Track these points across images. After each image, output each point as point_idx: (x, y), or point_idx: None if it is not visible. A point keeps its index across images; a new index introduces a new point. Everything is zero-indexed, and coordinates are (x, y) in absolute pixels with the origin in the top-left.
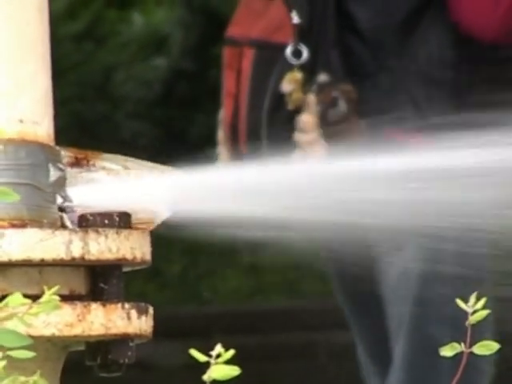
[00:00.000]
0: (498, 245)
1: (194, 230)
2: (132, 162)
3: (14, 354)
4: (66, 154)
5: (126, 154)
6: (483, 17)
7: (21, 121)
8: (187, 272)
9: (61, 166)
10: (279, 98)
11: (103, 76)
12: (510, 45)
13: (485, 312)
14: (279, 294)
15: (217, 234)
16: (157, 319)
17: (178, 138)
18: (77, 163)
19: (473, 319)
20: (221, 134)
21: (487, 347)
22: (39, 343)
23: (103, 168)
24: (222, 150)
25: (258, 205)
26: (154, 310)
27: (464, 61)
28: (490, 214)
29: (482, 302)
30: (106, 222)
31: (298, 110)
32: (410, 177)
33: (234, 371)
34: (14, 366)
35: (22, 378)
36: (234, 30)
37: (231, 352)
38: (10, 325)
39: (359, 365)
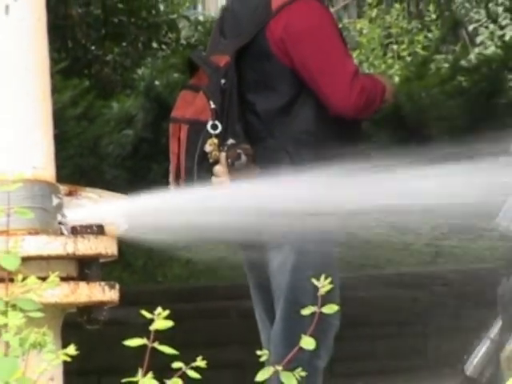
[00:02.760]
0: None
1: (148, 236)
2: (105, 193)
3: (31, 314)
4: (63, 188)
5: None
6: (342, 99)
7: (34, 167)
8: (147, 264)
9: (59, 195)
10: (204, 156)
11: (94, 142)
12: (357, 119)
13: (330, 286)
14: (205, 277)
15: (164, 239)
16: (128, 293)
17: (140, 180)
18: (70, 194)
19: (322, 291)
20: (170, 178)
21: (331, 308)
22: (47, 307)
23: (86, 197)
24: (172, 188)
25: (190, 218)
26: (127, 288)
27: (323, 129)
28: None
29: (328, 280)
30: (89, 230)
31: (215, 163)
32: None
33: (168, 324)
34: (31, 322)
35: (36, 329)
36: (175, 113)
37: (167, 312)
38: (29, 296)
39: (256, 321)
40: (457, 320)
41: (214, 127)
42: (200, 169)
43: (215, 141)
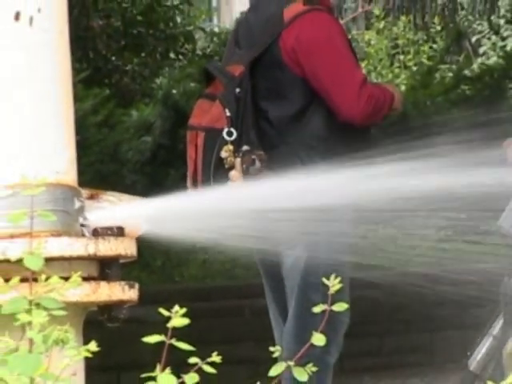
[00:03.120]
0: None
1: (167, 237)
2: (125, 196)
3: (54, 312)
4: (84, 192)
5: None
6: (350, 107)
7: (57, 172)
8: (165, 264)
9: (81, 199)
10: (220, 161)
11: (114, 148)
12: (366, 125)
13: (340, 285)
14: (221, 277)
15: (182, 240)
16: (147, 293)
17: (159, 185)
18: (91, 197)
19: (332, 290)
20: (188, 183)
21: (340, 306)
22: (69, 306)
23: (107, 200)
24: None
25: (207, 221)
26: (146, 287)
27: (333, 135)
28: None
29: (338, 280)
30: (109, 232)
31: (231, 168)
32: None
33: (185, 321)
34: (54, 320)
35: (59, 327)
36: (192, 121)
37: (183, 310)
38: (52, 295)
39: (269, 319)
40: (461, 318)
41: (230, 134)
42: (216, 174)
43: (230, 147)
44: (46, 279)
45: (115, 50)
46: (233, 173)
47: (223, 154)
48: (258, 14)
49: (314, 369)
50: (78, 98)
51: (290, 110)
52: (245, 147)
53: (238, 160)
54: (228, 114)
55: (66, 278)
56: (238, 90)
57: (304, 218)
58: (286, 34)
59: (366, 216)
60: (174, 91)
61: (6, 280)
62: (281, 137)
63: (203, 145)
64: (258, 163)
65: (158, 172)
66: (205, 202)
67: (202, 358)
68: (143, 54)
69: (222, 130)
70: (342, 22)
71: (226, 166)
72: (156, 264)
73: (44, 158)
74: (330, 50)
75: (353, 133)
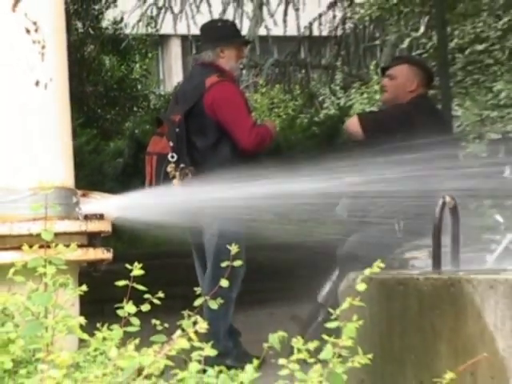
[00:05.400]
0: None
1: (131, 219)
2: (105, 194)
3: (60, 267)
4: (79, 192)
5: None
6: (245, 142)
7: (62, 179)
8: (131, 237)
9: (77, 196)
10: (166, 174)
11: (99, 166)
12: (256, 152)
13: (238, 249)
14: (165, 244)
15: (143, 221)
16: (118, 255)
17: (127, 189)
18: (83, 195)
19: (233, 252)
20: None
21: (238, 263)
22: (69, 263)
23: (93, 197)
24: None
25: (158, 208)
26: (118, 251)
27: (235, 158)
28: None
29: (237, 246)
30: (94, 217)
31: (173, 178)
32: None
33: (141, 272)
34: (60, 271)
35: (63, 276)
36: (149, 149)
37: (140, 265)
38: (59, 256)
39: (196, 271)
40: (315, 269)
41: (172, 157)
42: (164, 182)
43: (173, 165)
44: (55, 246)
45: (100, 105)
46: (174, 181)
47: (168, 170)
48: (190, 83)
49: (222, 301)
50: (76, 136)
51: (209, 143)
52: (182, 165)
53: (178, 173)
54: (171, 144)
55: (68, 246)
56: (177, 129)
57: (218, 207)
58: (207, 95)
59: (257, 206)
60: (136, 131)
61: (30, 246)
62: (204, 159)
63: (156, 164)
64: (190, 175)
65: (127, 181)
66: (156, 197)
67: (152, 295)
68: (117, 108)
69: (167, 154)
70: (241, 87)
71: (170, 177)
72: (125, 236)
73: (54, 170)
74: (233, 105)
75: (247, 157)
